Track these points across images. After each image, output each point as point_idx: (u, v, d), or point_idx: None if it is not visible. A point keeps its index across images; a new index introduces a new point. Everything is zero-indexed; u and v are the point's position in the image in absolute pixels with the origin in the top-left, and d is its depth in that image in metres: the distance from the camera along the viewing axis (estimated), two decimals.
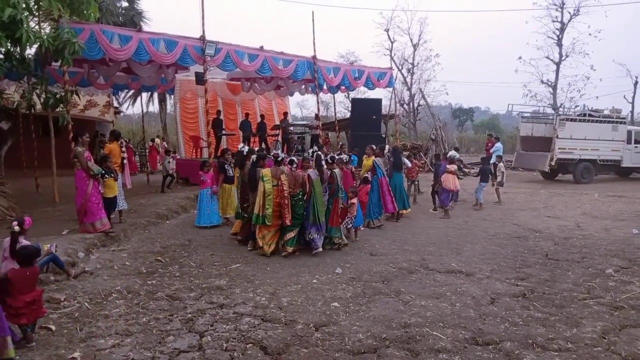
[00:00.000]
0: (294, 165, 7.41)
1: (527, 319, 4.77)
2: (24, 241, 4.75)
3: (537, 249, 7.78)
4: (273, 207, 7.18)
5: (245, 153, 8.29)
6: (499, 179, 12.68)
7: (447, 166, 11.14)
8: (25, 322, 4.07)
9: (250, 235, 7.60)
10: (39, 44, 8.06)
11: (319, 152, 7.92)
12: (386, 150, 10.06)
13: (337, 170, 7.74)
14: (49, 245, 5.42)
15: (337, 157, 8.33)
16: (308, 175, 7.35)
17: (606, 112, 19.53)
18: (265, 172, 7.32)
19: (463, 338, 4.31)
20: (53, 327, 4.44)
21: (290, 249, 7.17)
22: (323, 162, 7.53)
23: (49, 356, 3.93)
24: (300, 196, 7.25)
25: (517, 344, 4.20)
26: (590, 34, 30.07)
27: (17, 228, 4.69)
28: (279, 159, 7.52)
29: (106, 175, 8.10)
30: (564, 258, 7.17)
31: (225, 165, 9.43)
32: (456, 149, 17.15)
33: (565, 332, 4.45)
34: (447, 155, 12.35)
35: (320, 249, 7.23)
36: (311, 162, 7.79)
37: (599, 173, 19.20)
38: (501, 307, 5.08)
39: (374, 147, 10.24)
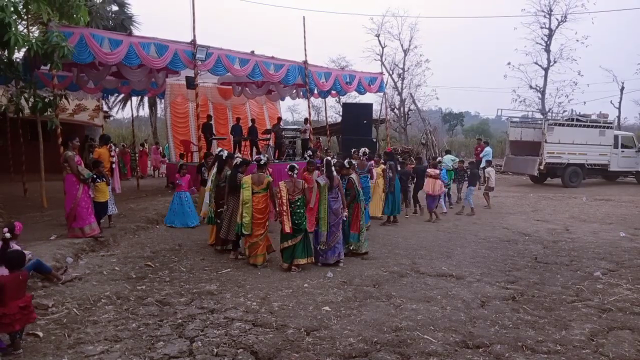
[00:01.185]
0: (295, 172, 6.95)
1: (517, 321, 4.81)
2: (15, 246, 4.71)
3: (527, 252, 7.85)
4: (253, 215, 6.84)
5: (224, 157, 7.92)
6: (488, 183, 12.74)
7: (428, 170, 11.19)
8: (18, 329, 4.03)
9: (232, 244, 7.38)
10: (27, 47, 7.99)
11: (328, 158, 7.66)
12: (360, 153, 10.02)
13: (354, 175, 7.61)
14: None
15: (353, 162, 8.16)
16: (316, 180, 7.09)
17: (593, 117, 19.80)
18: (246, 179, 7.00)
19: (454, 341, 4.32)
20: (41, 334, 4.37)
21: (285, 265, 6.71)
22: (333, 168, 7.21)
23: None
24: (299, 204, 6.77)
25: (507, 346, 4.22)
26: (577, 41, 30.60)
27: (8, 235, 4.65)
28: (262, 162, 7.21)
29: (98, 180, 8.04)
30: (553, 261, 7.24)
31: (202, 168, 9.44)
32: (447, 152, 17.15)
33: (555, 335, 4.49)
34: (437, 160, 12.41)
35: (328, 262, 6.90)
36: (321, 166, 7.63)
37: (587, 177, 19.47)
38: (491, 310, 5.11)
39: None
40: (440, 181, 11.07)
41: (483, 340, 4.33)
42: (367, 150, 10.28)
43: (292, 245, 6.68)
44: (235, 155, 8.36)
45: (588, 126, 18.81)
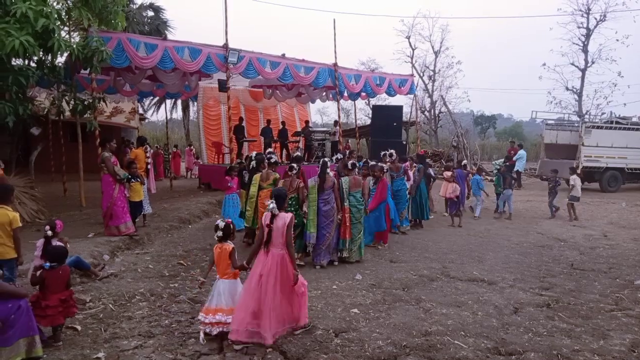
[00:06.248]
0: (294, 171, 7.11)
1: (552, 329, 4.67)
2: (58, 243, 4.91)
3: (562, 258, 7.61)
4: (258, 209, 7.30)
5: (253, 166, 8.20)
6: (572, 192, 11.70)
7: (445, 173, 11.25)
8: (62, 322, 4.23)
9: (250, 232, 7.96)
10: (69, 52, 8.32)
11: (325, 159, 7.47)
12: (394, 157, 9.85)
13: (344, 178, 7.31)
14: None
15: (371, 164, 8.23)
16: (305, 180, 7.29)
17: (634, 120, 19.04)
18: (256, 176, 7.54)
19: (485, 347, 4.24)
20: (79, 327, 4.56)
21: None
22: (329, 170, 7.12)
23: (75, 355, 4.02)
24: (292, 202, 6.81)
25: (541, 354, 4.11)
26: (617, 40, 29.38)
27: (49, 232, 4.86)
28: (272, 160, 7.56)
29: (132, 180, 8.28)
30: (590, 268, 7.00)
31: (243, 172, 9.52)
32: (507, 157, 16.72)
33: (592, 344, 4.34)
34: (462, 164, 12.32)
35: (322, 264, 6.90)
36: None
37: (627, 182, 18.68)
38: (525, 317, 4.98)
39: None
40: (456, 184, 10.74)
41: (516, 348, 4.23)
42: (393, 151, 10.02)
43: None
44: (255, 155, 8.57)
45: (628, 129, 18.09)
